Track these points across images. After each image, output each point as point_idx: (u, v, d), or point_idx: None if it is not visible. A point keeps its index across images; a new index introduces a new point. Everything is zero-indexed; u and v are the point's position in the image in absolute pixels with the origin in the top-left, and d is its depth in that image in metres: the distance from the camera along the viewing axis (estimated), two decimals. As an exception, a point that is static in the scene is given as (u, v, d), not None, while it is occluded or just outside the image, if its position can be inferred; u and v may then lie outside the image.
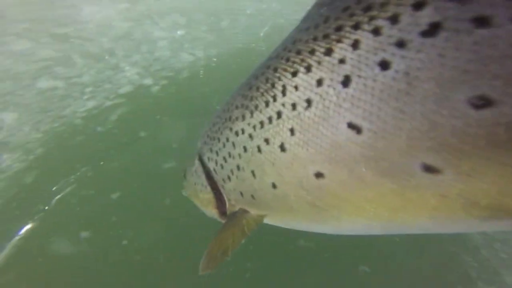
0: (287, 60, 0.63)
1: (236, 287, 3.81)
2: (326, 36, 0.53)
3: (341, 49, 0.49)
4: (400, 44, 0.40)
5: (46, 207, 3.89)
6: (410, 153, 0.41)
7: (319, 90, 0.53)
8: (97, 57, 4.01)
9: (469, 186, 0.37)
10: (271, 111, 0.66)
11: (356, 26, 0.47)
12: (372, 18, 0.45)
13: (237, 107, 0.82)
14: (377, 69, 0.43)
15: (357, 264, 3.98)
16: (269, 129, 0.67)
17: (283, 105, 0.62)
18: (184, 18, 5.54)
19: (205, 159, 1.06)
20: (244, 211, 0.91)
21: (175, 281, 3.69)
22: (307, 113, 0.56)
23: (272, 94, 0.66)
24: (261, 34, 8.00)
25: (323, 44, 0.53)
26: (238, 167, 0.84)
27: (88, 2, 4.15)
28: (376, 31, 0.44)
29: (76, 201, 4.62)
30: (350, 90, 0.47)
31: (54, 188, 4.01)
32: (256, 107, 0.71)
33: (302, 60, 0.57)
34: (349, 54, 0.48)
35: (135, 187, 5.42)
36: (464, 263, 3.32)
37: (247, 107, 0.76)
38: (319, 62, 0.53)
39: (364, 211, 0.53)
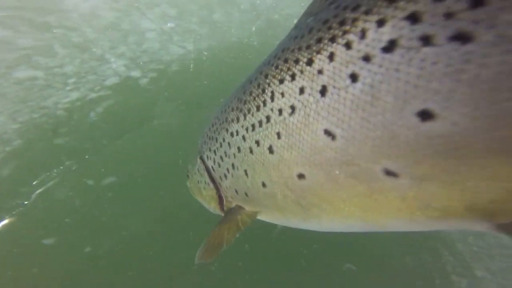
0: (276, 67, 0.68)
1: (225, 285, 3.83)
2: (308, 47, 0.58)
3: (320, 60, 0.54)
4: (367, 58, 0.45)
5: (26, 202, 3.71)
6: (374, 159, 0.46)
7: (301, 97, 0.58)
8: (81, 47, 3.86)
9: (422, 189, 0.43)
10: (262, 115, 0.72)
11: (333, 39, 0.52)
12: (345, 32, 0.49)
13: (232, 109, 0.88)
14: (348, 81, 0.48)
15: (343, 262, 4.05)
16: (259, 132, 0.73)
17: (271, 110, 0.68)
18: (174, 9, 5.39)
19: (205, 157, 1.12)
20: (240, 207, 0.98)
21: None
22: (291, 118, 0.61)
23: (262, 99, 0.71)
24: (253, 29, 7.87)
25: (306, 54, 0.58)
26: (233, 166, 0.90)
27: (73, -10, 3.99)
28: (348, 45, 0.48)
29: (60, 196, 4.48)
30: (326, 99, 0.52)
31: (35, 182, 3.87)
32: (249, 110, 0.78)
33: (288, 69, 0.63)
34: (326, 65, 0.53)
35: (123, 181, 5.31)
36: (442, 257, 3.44)
37: (241, 110, 0.82)
38: (301, 71, 0.58)
39: (340, 210, 0.59)
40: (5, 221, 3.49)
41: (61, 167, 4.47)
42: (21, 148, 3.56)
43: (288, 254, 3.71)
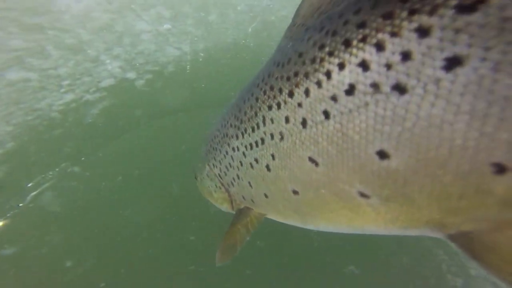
0: (264, 92, 0.73)
1: (227, 283, 3.77)
2: (288, 79, 0.63)
3: (298, 94, 0.59)
4: (334, 98, 0.51)
5: (20, 204, 3.66)
6: (350, 183, 0.54)
7: (287, 126, 0.64)
8: (75, 49, 3.81)
9: (389, 207, 0.51)
10: (257, 136, 0.78)
11: (306, 75, 0.57)
12: (315, 70, 0.54)
13: (231, 126, 0.94)
14: (322, 117, 0.54)
15: (342, 262, 4.00)
16: (257, 151, 0.80)
17: (264, 133, 0.74)
18: (169, 11, 5.35)
19: (211, 165, 1.20)
20: (248, 209, 1.06)
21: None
22: (281, 144, 0.68)
23: (256, 122, 0.77)
24: (249, 30, 7.84)
25: (287, 85, 0.63)
26: (238, 177, 0.98)
27: (67, -8, 3.92)
28: (318, 84, 0.54)
29: (55, 198, 4.40)
30: (307, 131, 0.58)
31: (29, 184, 3.82)
32: (246, 130, 0.84)
33: (274, 97, 0.68)
34: (303, 100, 0.58)
35: (119, 182, 5.25)
36: (437, 257, 3.47)
37: (239, 128, 0.88)
38: (285, 102, 0.64)
39: (330, 218, 0.68)
40: (0, 224, 3.44)
41: (57, 169, 4.42)
42: (14, 151, 3.50)
43: (290, 258, 3.66)
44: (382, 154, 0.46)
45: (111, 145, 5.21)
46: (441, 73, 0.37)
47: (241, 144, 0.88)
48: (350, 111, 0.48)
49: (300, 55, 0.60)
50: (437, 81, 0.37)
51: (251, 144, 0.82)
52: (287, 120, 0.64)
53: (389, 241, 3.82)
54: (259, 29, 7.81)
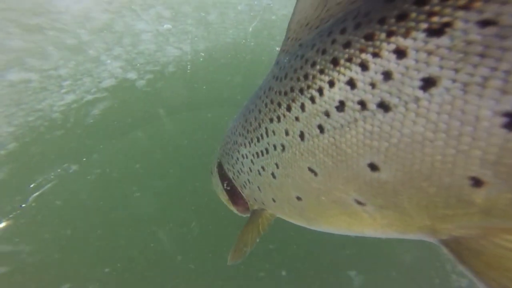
0: (266, 105, 0.76)
1: (228, 284, 3.74)
2: (286, 93, 0.65)
3: (295, 109, 0.61)
4: (327, 114, 0.53)
5: (23, 205, 3.63)
6: (346, 191, 0.57)
7: (287, 138, 0.67)
8: (75, 49, 3.78)
9: (384, 214, 0.54)
10: (262, 146, 0.81)
11: (301, 91, 0.59)
12: (309, 87, 0.57)
13: (240, 134, 0.98)
14: (317, 131, 0.56)
15: (344, 260, 3.95)
16: (263, 160, 0.83)
17: (268, 144, 0.77)
18: (169, 11, 5.30)
19: (225, 168, 1.26)
20: (262, 210, 1.11)
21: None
22: (283, 154, 0.70)
23: (260, 132, 0.81)
24: (250, 29, 7.78)
25: (285, 99, 0.65)
26: (248, 181, 1.03)
27: (66, -7, 3.86)
28: (312, 99, 0.56)
29: (58, 199, 4.37)
30: (305, 143, 0.61)
31: (32, 185, 3.79)
32: (252, 140, 0.87)
33: (274, 110, 0.70)
34: (300, 114, 0.60)
35: (123, 182, 5.20)
36: (441, 257, 3.39)
37: (246, 138, 0.92)
38: (284, 116, 0.66)
39: (332, 222, 0.71)
40: (2, 224, 3.41)
41: (59, 170, 4.39)
42: (16, 151, 3.48)
43: (292, 261, 3.61)
44: (373, 167, 0.49)
45: (112, 145, 5.19)
46: (419, 93, 0.39)
47: (249, 152, 0.92)
48: (342, 126, 0.51)
49: (295, 71, 0.63)
50: (417, 100, 0.40)
51: (257, 153, 0.86)
52: (286, 132, 0.67)
53: (392, 241, 3.77)
54: (260, 29, 7.75)
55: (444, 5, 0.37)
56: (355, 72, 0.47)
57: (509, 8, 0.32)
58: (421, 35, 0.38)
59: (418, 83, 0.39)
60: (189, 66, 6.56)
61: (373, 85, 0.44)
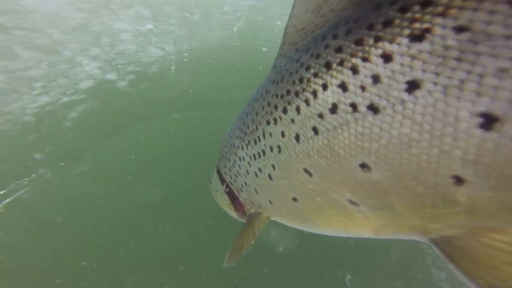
0: (263, 108, 0.77)
1: (222, 285, 3.63)
2: (282, 96, 0.67)
3: (291, 111, 0.62)
4: (321, 116, 0.55)
5: (-8, 212, 3.56)
6: (340, 192, 0.59)
7: (283, 140, 0.68)
8: (47, 50, 3.61)
9: (377, 214, 0.56)
10: (259, 148, 0.82)
11: (297, 94, 0.60)
12: (304, 90, 0.58)
13: (237, 137, 0.99)
14: (312, 133, 0.58)
15: (331, 259, 3.90)
16: (260, 161, 0.84)
17: (265, 146, 0.78)
18: (149, 10, 5.17)
19: (222, 172, 1.26)
20: (257, 213, 1.11)
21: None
22: (280, 156, 0.72)
23: (257, 135, 0.81)
24: (235, 30, 7.69)
25: (281, 102, 0.67)
26: (245, 183, 1.03)
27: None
28: (307, 102, 0.57)
29: (31, 205, 4.15)
30: (300, 145, 0.62)
31: (2, 192, 3.58)
32: (249, 142, 0.88)
33: (271, 113, 0.72)
34: (295, 116, 0.61)
35: (102, 190, 4.98)
36: (423, 251, 3.43)
37: (243, 140, 0.93)
38: (280, 118, 0.68)
39: (328, 224, 0.72)
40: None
41: (33, 175, 4.18)
42: (-17, 157, 3.29)
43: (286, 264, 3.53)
44: (365, 167, 0.50)
45: (93, 149, 5.00)
46: (405, 95, 0.41)
47: (246, 154, 0.93)
48: (335, 127, 0.52)
49: (291, 74, 0.64)
50: (403, 102, 0.41)
51: (254, 155, 0.87)
52: (283, 134, 0.68)
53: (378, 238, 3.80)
54: (245, 29, 7.66)
55: (424, 12, 0.39)
56: (346, 75, 0.49)
57: (480, 15, 0.33)
58: (405, 41, 0.40)
59: (403, 86, 0.41)
60: (173, 67, 6.40)
61: (363, 88, 0.46)
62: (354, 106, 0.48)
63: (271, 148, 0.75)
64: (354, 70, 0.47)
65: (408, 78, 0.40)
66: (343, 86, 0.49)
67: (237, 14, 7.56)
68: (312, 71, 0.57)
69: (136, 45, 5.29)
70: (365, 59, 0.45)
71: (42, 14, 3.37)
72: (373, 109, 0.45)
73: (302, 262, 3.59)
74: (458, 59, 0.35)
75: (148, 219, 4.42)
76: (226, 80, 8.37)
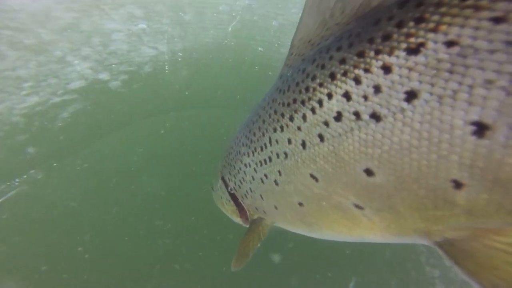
0: (269, 116, 0.79)
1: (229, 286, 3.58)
2: (288, 105, 0.69)
3: (297, 119, 0.65)
4: (326, 123, 0.58)
5: (-20, 214, 3.49)
6: (345, 196, 0.61)
7: (290, 147, 0.70)
8: (35, 50, 3.54)
9: (381, 217, 0.57)
10: (265, 155, 0.84)
11: (303, 102, 0.64)
12: (310, 98, 0.62)
13: (243, 145, 1.00)
14: (318, 140, 0.61)
15: (325, 257, 3.86)
16: (266, 167, 0.86)
17: (271, 152, 0.80)
18: (141, 10, 5.10)
19: (226, 179, 1.27)
20: (261, 219, 1.12)
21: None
22: (286, 161, 0.73)
23: (263, 142, 0.83)
24: (229, 29, 7.62)
25: (288, 110, 0.69)
26: (250, 190, 1.04)
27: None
28: (313, 110, 0.61)
29: (23, 207, 4.07)
30: (307, 151, 0.65)
31: (-8, 193, 3.52)
32: (255, 149, 0.90)
33: (278, 120, 0.74)
34: (302, 124, 0.65)
35: (95, 190, 4.86)
36: (417, 249, 3.45)
37: (249, 147, 0.94)
38: (287, 125, 0.70)
39: (333, 228, 0.72)
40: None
41: (25, 176, 4.11)
42: (-29, 158, 3.23)
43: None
44: (369, 172, 0.52)
45: (86, 149, 4.93)
46: (404, 104, 0.42)
47: (252, 161, 0.94)
48: (340, 134, 0.54)
49: (297, 84, 0.66)
50: (402, 111, 0.43)
51: (260, 162, 0.88)
52: (289, 141, 0.70)
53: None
54: (239, 29, 7.58)
55: (418, 27, 0.41)
56: (350, 85, 0.51)
57: (467, 30, 0.36)
58: (402, 54, 0.43)
59: (402, 96, 0.43)
60: (167, 67, 6.34)
61: (365, 97, 0.48)
62: (357, 114, 0.50)
63: (278, 155, 0.77)
64: (357, 80, 0.49)
65: (406, 88, 0.42)
66: (347, 95, 0.51)
67: (233, 14, 7.49)
68: (317, 81, 0.59)
69: (129, 45, 5.22)
70: (367, 70, 0.48)
71: (30, 13, 3.30)
72: (375, 117, 0.47)
73: (297, 261, 3.54)
74: (450, 71, 0.37)
75: (142, 217, 4.36)
76: (221, 80, 8.29)
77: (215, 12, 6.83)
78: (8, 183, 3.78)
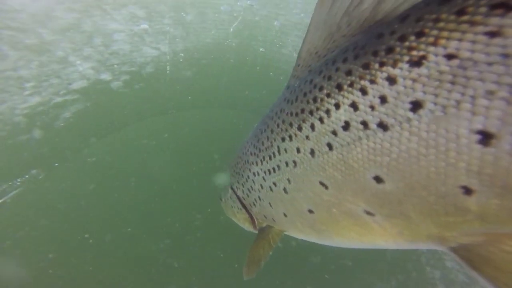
0: (278, 126, 0.80)
1: None
2: (297, 114, 0.71)
3: (306, 128, 0.67)
4: (334, 133, 0.58)
5: (-19, 213, 3.48)
6: (355, 203, 0.61)
7: (299, 155, 0.72)
8: (37, 50, 3.52)
9: (393, 223, 0.56)
10: (274, 163, 0.85)
11: (311, 112, 0.65)
12: (317, 109, 0.62)
13: (251, 154, 1.01)
14: (326, 148, 0.62)
15: (321, 253, 3.81)
16: (274, 176, 0.86)
17: (280, 161, 0.81)
18: (143, 10, 5.07)
19: (235, 188, 1.28)
20: (270, 227, 1.11)
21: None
22: (295, 170, 0.75)
23: (272, 151, 0.85)
24: (231, 30, 7.58)
25: (296, 120, 0.71)
26: (259, 198, 1.04)
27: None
28: (321, 120, 0.62)
29: (24, 207, 4.06)
30: (316, 159, 0.66)
31: (-7, 193, 3.50)
32: (264, 158, 0.91)
33: (286, 130, 0.76)
34: (310, 133, 0.66)
35: (97, 190, 4.84)
36: (418, 251, 3.43)
37: (258, 156, 0.95)
38: (295, 135, 0.72)
39: (343, 234, 0.73)
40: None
41: (26, 176, 4.09)
42: (-28, 158, 3.21)
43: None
44: (378, 179, 0.52)
45: (86, 150, 4.90)
46: (410, 114, 0.44)
47: (261, 170, 0.95)
48: (348, 143, 0.54)
49: (305, 94, 0.67)
50: (409, 121, 0.44)
51: (269, 170, 0.89)
52: (298, 150, 0.71)
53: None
54: (241, 29, 7.53)
55: (418, 41, 0.43)
56: (356, 96, 0.52)
57: (465, 44, 0.38)
58: (406, 66, 0.44)
59: (408, 106, 0.44)
60: (168, 67, 6.31)
61: (372, 107, 0.49)
62: (365, 124, 0.50)
63: (287, 163, 0.77)
64: (363, 91, 0.50)
65: (411, 98, 0.43)
66: (354, 105, 0.52)
67: (234, 14, 7.45)
68: (325, 91, 0.60)
69: (131, 45, 5.19)
70: (372, 81, 0.49)
71: (31, 13, 3.28)
72: (383, 126, 0.48)
73: (297, 261, 3.49)
74: (452, 82, 0.38)
75: (143, 216, 4.34)
76: (222, 81, 8.25)
77: (216, 13, 6.78)
78: (10, 183, 3.77)
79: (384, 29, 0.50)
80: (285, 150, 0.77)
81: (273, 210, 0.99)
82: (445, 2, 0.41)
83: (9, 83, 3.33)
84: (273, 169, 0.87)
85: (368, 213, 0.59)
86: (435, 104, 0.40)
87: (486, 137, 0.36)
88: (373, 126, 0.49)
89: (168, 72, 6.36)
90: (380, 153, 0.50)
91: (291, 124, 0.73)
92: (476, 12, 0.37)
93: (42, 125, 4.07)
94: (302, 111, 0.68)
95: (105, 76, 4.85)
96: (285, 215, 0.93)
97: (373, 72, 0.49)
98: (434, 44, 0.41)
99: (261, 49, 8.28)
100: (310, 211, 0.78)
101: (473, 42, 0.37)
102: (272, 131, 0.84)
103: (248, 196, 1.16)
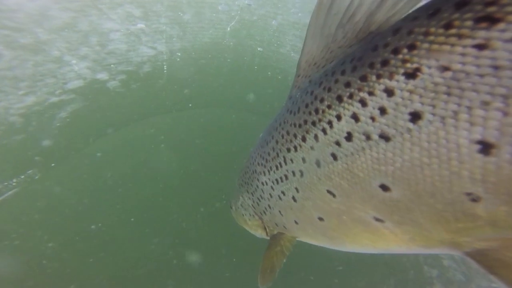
0: (282, 136, 0.81)
1: None
2: (300, 126, 0.72)
3: (310, 139, 0.68)
4: (338, 143, 0.59)
5: (-23, 214, 3.45)
6: (364, 210, 0.61)
7: (305, 165, 0.73)
8: (32, 49, 3.50)
9: (404, 229, 0.56)
10: (281, 173, 0.86)
11: (314, 123, 0.65)
12: (320, 120, 0.63)
13: (259, 164, 1.02)
14: (331, 158, 0.62)
15: (319, 253, 3.84)
16: (282, 185, 0.87)
17: (287, 171, 0.82)
18: (140, 9, 5.05)
19: (245, 196, 1.29)
20: (281, 234, 1.12)
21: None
22: (302, 179, 0.75)
23: (278, 161, 0.85)
24: (228, 29, 7.57)
25: (300, 131, 0.71)
26: (269, 206, 1.06)
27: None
28: (324, 131, 0.62)
29: (21, 207, 4.04)
30: (321, 169, 0.66)
31: (-12, 193, 3.48)
32: (271, 168, 0.92)
33: (291, 141, 0.76)
34: (314, 144, 0.66)
35: (93, 191, 4.79)
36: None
37: (265, 166, 0.96)
38: (300, 146, 0.73)
39: (356, 241, 0.73)
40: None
41: (22, 176, 4.08)
42: (-33, 158, 3.19)
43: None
44: (384, 187, 0.52)
45: (83, 150, 4.88)
46: (410, 125, 0.44)
47: (269, 179, 0.96)
48: (352, 153, 0.55)
49: (307, 105, 0.68)
50: (409, 131, 0.45)
51: (277, 180, 0.90)
52: (304, 160, 0.71)
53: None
54: (238, 28, 7.53)
55: (412, 54, 0.43)
56: (356, 107, 0.52)
57: (455, 57, 0.38)
58: (402, 78, 0.45)
59: (407, 117, 0.44)
60: (165, 67, 6.29)
61: (373, 118, 0.49)
62: (367, 135, 0.51)
63: (294, 173, 0.78)
64: (363, 102, 0.51)
65: (410, 109, 0.44)
66: (355, 117, 0.53)
67: (232, 14, 7.44)
68: (326, 103, 0.61)
69: (127, 45, 5.17)
70: (371, 93, 0.49)
71: (27, 13, 3.26)
72: (384, 137, 0.48)
73: (297, 261, 3.51)
74: (448, 94, 0.39)
75: (140, 217, 4.33)
76: (220, 80, 8.24)
77: (214, 12, 6.77)
78: (6, 183, 3.75)
79: (379, 41, 0.51)
80: (291, 160, 0.78)
81: (284, 218, 1.01)
82: (432, 15, 0.42)
83: (4, 83, 3.31)
84: (281, 178, 0.88)
85: (378, 220, 0.60)
86: (434, 115, 0.41)
87: (486, 147, 0.37)
88: (375, 136, 0.50)
89: (165, 71, 6.34)
90: (384, 163, 0.50)
91: (295, 135, 0.74)
92: (463, 26, 0.38)
93: (38, 124, 4.05)
94: (305, 122, 0.69)
95: (102, 76, 4.83)
96: (296, 223, 0.94)
97: (371, 84, 0.50)
98: (426, 56, 0.42)
99: (259, 49, 8.28)
100: (321, 219, 0.78)
101: (463, 54, 0.38)
102: (277, 142, 0.86)
103: (258, 204, 1.17)
